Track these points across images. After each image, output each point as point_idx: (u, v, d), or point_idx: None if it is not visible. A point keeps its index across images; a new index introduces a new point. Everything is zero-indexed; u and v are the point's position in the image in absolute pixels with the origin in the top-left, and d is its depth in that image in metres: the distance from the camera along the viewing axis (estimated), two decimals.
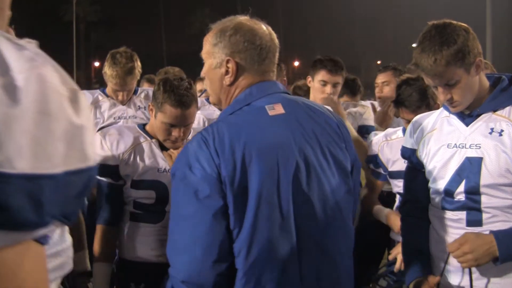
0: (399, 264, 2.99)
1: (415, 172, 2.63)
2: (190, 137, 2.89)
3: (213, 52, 2.02)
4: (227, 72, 2.00)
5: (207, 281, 1.83)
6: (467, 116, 2.38)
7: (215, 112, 4.62)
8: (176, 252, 1.88)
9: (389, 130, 3.57)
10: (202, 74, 2.10)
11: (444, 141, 2.43)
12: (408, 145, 2.64)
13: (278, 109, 1.97)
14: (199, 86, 5.49)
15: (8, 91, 0.67)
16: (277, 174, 1.87)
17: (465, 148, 2.35)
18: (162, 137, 2.84)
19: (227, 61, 1.99)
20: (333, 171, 1.99)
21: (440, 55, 2.21)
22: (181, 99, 2.72)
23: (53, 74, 0.73)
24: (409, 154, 2.64)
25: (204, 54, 2.08)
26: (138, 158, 2.83)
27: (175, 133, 2.79)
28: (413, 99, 3.24)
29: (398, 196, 3.41)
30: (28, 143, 0.67)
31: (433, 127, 2.52)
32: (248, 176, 1.83)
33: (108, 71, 4.12)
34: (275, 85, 2.06)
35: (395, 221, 3.18)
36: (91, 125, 0.80)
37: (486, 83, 2.38)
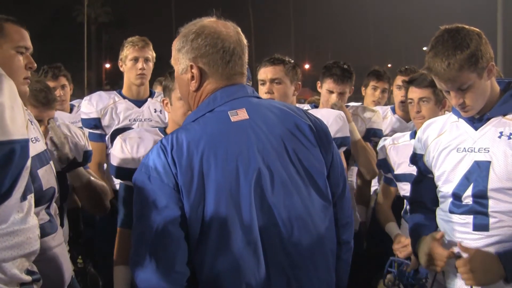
0: (414, 264, 2.97)
1: (422, 176, 2.67)
2: None
3: (178, 58, 2.01)
4: (192, 78, 1.97)
5: None
6: (477, 120, 2.38)
7: None
8: (136, 263, 1.84)
9: (397, 134, 3.65)
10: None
11: (453, 145, 2.43)
12: (416, 151, 2.66)
13: (242, 115, 1.92)
14: None
15: None
16: (237, 183, 1.82)
17: (474, 152, 2.35)
18: (184, 120, 2.82)
19: (191, 67, 1.96)
20: (303, 177, 1.93)
21: (454, 59, 2.21)
22: None
23: None
24: (417, 159, 2.65)
25: (172, 60, 2.06)
26: None
27: None
28: (422, 78, 3.32)
29: (405, 201, 3.42)
30: None
31: (441, 132, 2.53)
32: (205, 185, 1.80)
33: (124, 48, 4.22)
34: (242, 89, 2.01)
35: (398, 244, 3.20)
36: (15, 104, 0.86)
37: (497, 87, 2.39)
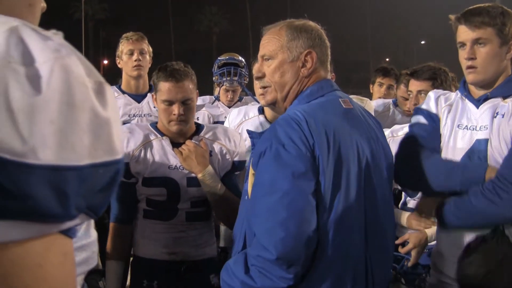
0: (414, 259, 2.98)
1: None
2: (203, 134, 2.91)
3: (289, 47, 2.13)
4: (303, 65, 2.12)
5: (299, 258, 1.85)
6: (478, 99, 2.43)
7: (219, 109, 4.72)
8: (267, 230, 1.86)
9: (396, 126, 3.62)
10: (268, 72, 2.18)
11: (456, 122, 2.48)
12: (432, 110, 2.58)
13: (348, 104, 2.10)
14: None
15: (32, 81, 0.66)
16: (357, 162, 1.98)
17: (476, 130, 2.39)
18: (166, 119, 2.83)
19: (307, 54, 2.11)
20: (385, 163, 2.13)
21: (486, 13, 2.32)
22: (172, 72, 2.79)
23: (78, 65, 0.72)
24: (433, 116, 2.58)
25: (271, 51, 2.16)
26: (148, 156, 2.83)
27: (175, 110, 2.77)
28: (423, 70, 3.39)
29: (403, 193, 3.42)
30: (52, 133, 0.66)
31: (451, 103, 2.54)
32: (339, 159, 1.93)
33: (120, 44, 4.32)
34: (335, 84, 2.20)
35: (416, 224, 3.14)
36: (118, 118, 0.77)
37: (510, 72, 2.43)
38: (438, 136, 2.53)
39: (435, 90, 2.70)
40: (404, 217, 3.26)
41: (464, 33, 2.37)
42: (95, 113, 0.71)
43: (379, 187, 2.06)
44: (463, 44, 2.39)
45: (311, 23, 2.19)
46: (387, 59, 57.04)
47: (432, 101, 2.59)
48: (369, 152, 2.03)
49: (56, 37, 0.73)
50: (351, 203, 1.94)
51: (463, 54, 2.40)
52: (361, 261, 1.98)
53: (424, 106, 2.61)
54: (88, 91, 0.71)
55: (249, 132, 2.84)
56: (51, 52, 0.69)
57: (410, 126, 2.65)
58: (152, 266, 2.85)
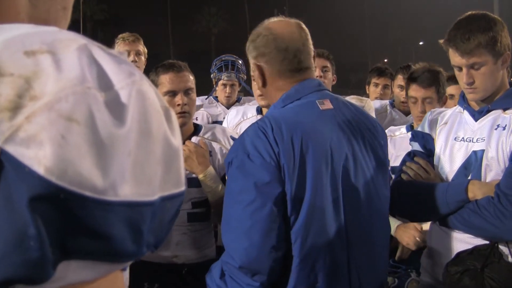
0: (400, 252, 3.00)
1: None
2: (202, 134, 2.91)
3: (249, 57, 2.16)
4: (257, 75, 2.12)
5: (263, 267, 1.87)
6: (477, 112, 2.43)
7: (218, 109, 4.72)
8: (233, 239, 1.92)
9: (393, 127, 3.63)
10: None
11: (453, 134, 2.48)
12: (425, 130, 2.64)
13: (327, 105, 2.05)
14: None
15: (112, 108, 0.60)
16: (331, 165, 1.95)
17: (472, 142, 2.40)
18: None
19: (254, 65, 2.12)
20: (374, 165, 2.08)
21: (475, 35, 2.28)
22: (172, 64, 2.85)
23: (151, 91, 0.66)
24: (428, 139, 2.63)
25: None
26: None
27: (178, 100, 2.79)
28: (425, 76, 3.34)
29: None
30: (130, 167, 0.61)
31: (446, 121, 2.56)
32: (305, 165, 1.90)
33: (116, 45, 4.34)
34: (319, 83, 2.15)
35: (402, 236, 3.14)
36: (182, 146, 0.71)
37: (507, 83, 2.43)
38: (431, 161, 2.56)
39: (431, 110, 2.71)
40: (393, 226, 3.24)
41: (457, 59, 2.35)
42: (168, 142, 0.67)
43: (363, 189, 2.03)
44: (458, 68, 2.38)
45: (264, 25, 2.13)
46: (386, 60, 57.01)
47: (426, 122, 2.65)
48: (351, 154, 2.01)
49: (124, 57, 0.68)
50: (324, 208, 1.93)
51: (460, 75, 2.40)
52: (343, 264, 1.97)
53: (419, 129, 2.68)
54: (162, 119, 0.66)
55: (232, 137, 2.86)
56: (126, 76, 0.64)
57: (407, 155, 2.67)
58: (153, 269, 2.82)
